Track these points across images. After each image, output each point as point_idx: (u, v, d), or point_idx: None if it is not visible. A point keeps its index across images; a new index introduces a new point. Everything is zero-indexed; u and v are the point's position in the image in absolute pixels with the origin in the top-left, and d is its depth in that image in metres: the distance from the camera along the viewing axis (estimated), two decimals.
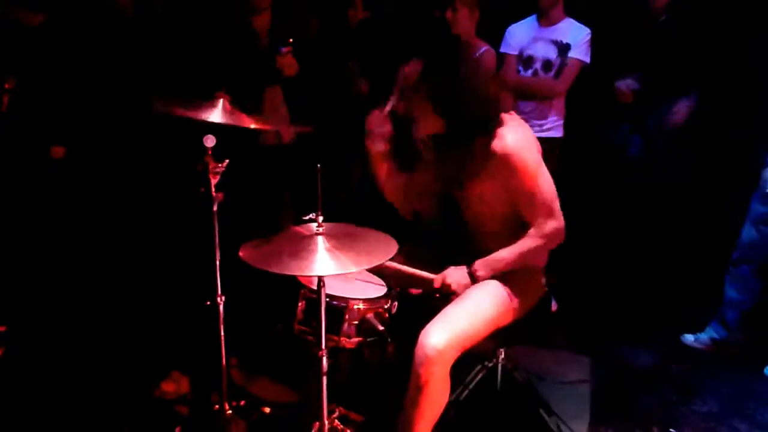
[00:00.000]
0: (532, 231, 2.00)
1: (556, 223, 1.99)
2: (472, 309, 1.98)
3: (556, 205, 1.99)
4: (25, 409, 2.36)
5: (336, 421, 2.10)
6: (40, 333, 2.73)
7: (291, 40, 3.08)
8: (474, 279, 2.05)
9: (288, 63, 3.11)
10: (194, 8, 3.11)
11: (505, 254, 2.03)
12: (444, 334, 1.88)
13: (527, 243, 2.01)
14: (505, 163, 1.93)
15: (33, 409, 2.37)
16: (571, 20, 3.25)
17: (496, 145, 1.94)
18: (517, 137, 1.95)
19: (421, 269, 2.13)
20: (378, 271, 2.16)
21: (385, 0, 3.66)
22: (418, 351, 1.88)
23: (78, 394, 2.47)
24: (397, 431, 1.98)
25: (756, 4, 3.40)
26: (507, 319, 2.07)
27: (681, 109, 3.42)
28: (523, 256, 2.03)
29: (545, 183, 1.98)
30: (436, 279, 2.07)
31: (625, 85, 3.38)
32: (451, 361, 1.91)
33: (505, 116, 2.00)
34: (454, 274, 2.05)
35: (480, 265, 2.05)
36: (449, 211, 2.17)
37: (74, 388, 2.50)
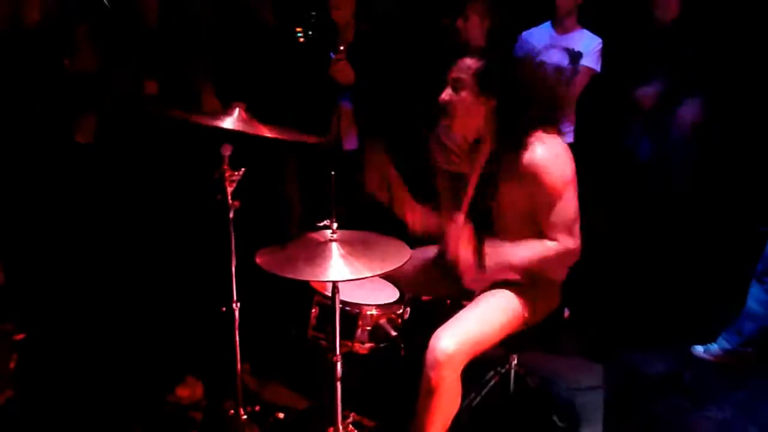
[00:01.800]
0: (548, 243, 1.98)
1: (572, 243, 1.97)
2: (484, 315, 1.99)
3: (576, 226, 1.98)
4: (41, 414, 2.39)
5: (350, 426, 2.11)
6: (55, 338, 2.76)
7: (342, 47, 3.06)
8: (481, 262, 2.01)
9: (341, 69, 3.08)
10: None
11: (517, 250, 2.00)
12: (454, 339, 1.89)
13: (541, 247, 1.98)
14: (532, 176, 1.93)
15: (48, 413, 2.39)
16: (584, 30, 3.29)
17: (526, 157, 1.94)
18: (546, 151, 1.94)
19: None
20: (391, 277, 2.18)
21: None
22: (429, 355, 1.89)
23: (92, 399, 2.50)
24: None
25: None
26: (518, 327, 2.08)
27: (686, 113, 3.42)
28: (534, 258, 1.99)
29: (569, 202, 1.96)
30: (450, 251, 2.06)
31: (645, 91, 3.38)
32: (462, 366, 1.92)
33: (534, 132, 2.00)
34: (465, 255, 2.02)
35: (490, 252, 2.01)
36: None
37: (89, 393, 2.53)
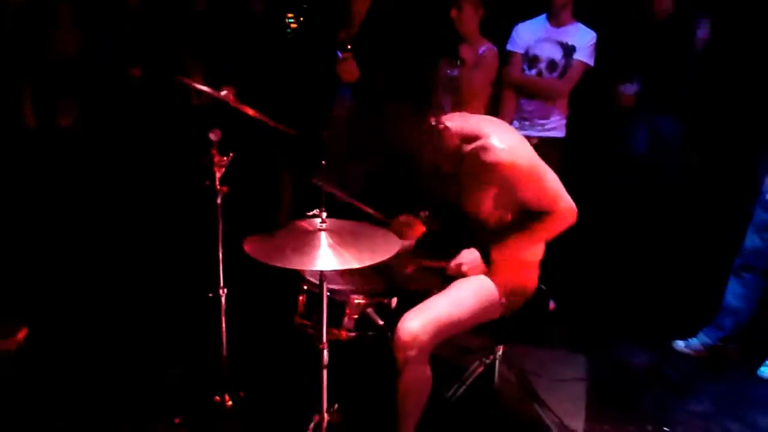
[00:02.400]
0: (545, 218, 1.99)
1: (570, 203, 2.00)
2: (454, 298, 2.01)
3: (562, 190, 2.00)
4: (31, 403, 2.37)
5: (336, 414, 2.12)
6: (49, 326, 2.74)
7: (349, 45, 3.05)
8: (486, 259, 2.06)
9: (348, 69, 3.08)
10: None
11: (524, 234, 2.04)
12: (419, 320, 1.91)
13: (546, 223, 2.00)
14: (503, 174, 1.95)
15: (38, 401, 2.38)
16: (578, 23, 3.29)
17: (487, 157, 1.94)
18: (504, 145, 1.94)
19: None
20: (380, 268, 2.18)
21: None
22: (396, 336, 1.92)
23: (80, 385, 2.49)
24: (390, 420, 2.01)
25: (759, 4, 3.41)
26: (494, 313, 2.09)
27: (626, 91, 3.44)
28: (542, 236, 2.06)
29: (543, 177, 1.99)
30: (450, 266, 2.08)
31: (626, 89, 3.41)
32: (428, 347, 1.93)
33: (482, 122, 2.02)
34: (467, 258, 2.06)
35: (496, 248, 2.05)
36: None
37: (76, 379, 2.51)
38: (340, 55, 3.08)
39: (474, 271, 2.06)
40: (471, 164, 1.97)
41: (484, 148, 1.94)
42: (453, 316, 1.96)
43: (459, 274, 2.06)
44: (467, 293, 2.02)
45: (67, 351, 2.66)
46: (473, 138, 1.97)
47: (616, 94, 3.47)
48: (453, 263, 2.07)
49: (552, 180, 2.00)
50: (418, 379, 1.96)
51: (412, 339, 1.89)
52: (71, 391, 2.46)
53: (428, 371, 1.97)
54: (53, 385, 2.47)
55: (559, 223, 2.01)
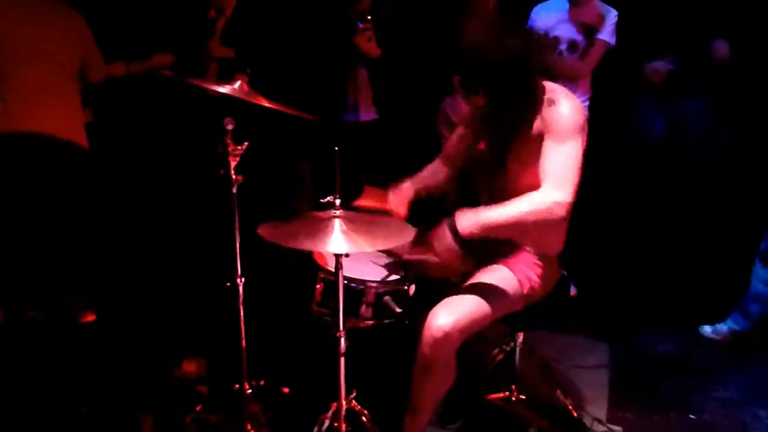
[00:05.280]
0: (534, 193, 1.86)
1: (562, 195, 1.82)
2: (480, 292, 1.96)
3: (572, 182, 1.84)
4: (53, 387, 2.41)
5: (353, 401, 2.12)
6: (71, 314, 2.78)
7: (369, 17, 3.00)
8: (456, 234, 1.89)
9: (366, 41, 3.04)
10: None
11: (494, 211, 1.89)
12: (451, 316, 1.88)
13: (520, 204, 1.86)
14: (547, 121, 1.89)
15: (56, 387, 2.42)
16: (599, 2, 3.21)
17: (547, 107, 1.90)
18: (567, 103, 1.90)
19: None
20: (395, 256, 2.17)
21: None
22: (425, 332, 1.89)
23: (101, 371, 2.52)
24: (407, 407, 2.00)
25: None
26: (518, 305, 2.05)
27: (658, 69, 3.35)
28: (514, 216, 1.86)
29: (570, 152, 1.86)
30: (428, 253, 1.99)
31: (658, 66, 3.31)
32: (458, 344, 1.91)
33: (558, 86, 1.97)
34: (439, 236, 1.92)
35: (460, 218, 1.90)
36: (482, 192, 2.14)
37: (97, 365, 2.55)
38: (360, 26, 3.05)
39: (446, 253, 1.93)
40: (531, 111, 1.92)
41: (548, 105, 1.90)
42: (482, 311, 1.93)
43: (440, 258, 1.96)
44: (494, 286, 1.99)
45: (88, 338, 2.70)
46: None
47: (646, 70, 3.36)
48: (431, 251, 1.97)
49: (571, 162, 1.87)
50: (446, 374, 1.95)
51: (444, 336, 1.86)
52: (93, 376, 2.49)
53: (455, 365, 1.95)
54: (75, 371, 2.49)
55: (547, 209, 1.85)
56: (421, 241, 2.00)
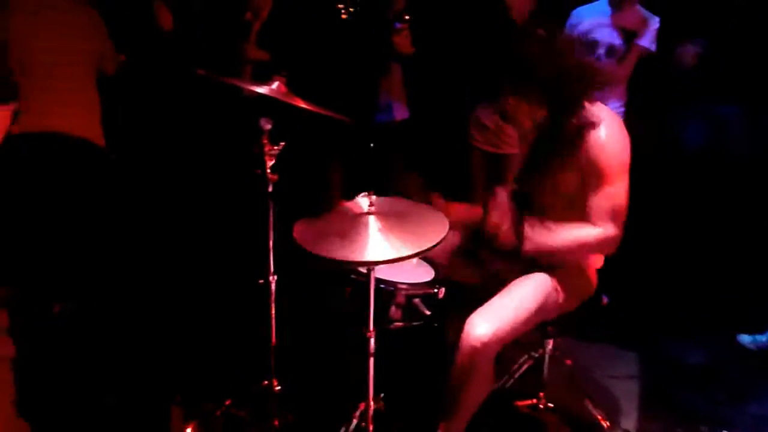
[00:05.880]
0: (590, 227, 1.93)
1: (614, 231, 1.92)
2: (518, 301, 1.96)
3: (623, 216, 1.93)
4: (82, 379, 2.46)
5: (381, 402, 2.12)
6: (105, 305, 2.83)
7: (407, 17, 3.07)
8: (520, 239, 1.99)
9: (403, 41, 3.11)
10: None
11: (557, 236, 1.97)
12: (490, 326, 1.88)
13: (581, 233, 1.94)
14: (593, 153, 1.90)
15: (89, 378, 2.47)
16: (640, 7, 3.17)
17: (591, 134, 1.90)
18: (612, 134, 1.91)
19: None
20: (428, 256, 2.17)
21: None
22: (464, 341, 1.89)
23: (132, 364, 2.57)
24: (440, 416, 2.00)
25: None
26: (553, 314, 2.06)
27: (687, 52, 3.26)
28: (573, 244, 1.97)
29: (621, 189, 1.92)
30: (492, 217, 2.04)
31: (688, 50, 3.22)
32: (496, 351, 1.91)
33: (598, 107, 1.96)
34: (507, 227, 2.01)
35: (530, 233, 1.99)
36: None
37: (128, 358, 2.60)
38: (398, 26, 3.10)
39: (506, 239, 2.01)
40: (572, 139, 1.94)
41: (591, 130, 1.91)
42: (520, 320, 1.93)
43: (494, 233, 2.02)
44: (531, 294, 1.99)
45: (122, 331, 2.75)
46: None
47: (676, 54, 3.28)
48: (495, 218, 2.03)
49: (622, 197, 1.93)
50: (485, 382, 1.96)
51: (483, 346, 1.87)
52: (123, 368, 2.53)
53: (493, 372, 1.96)
54: (105, 363, 2.54)
55: (601, 245, 1.97)
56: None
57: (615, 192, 1.91)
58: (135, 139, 3.05)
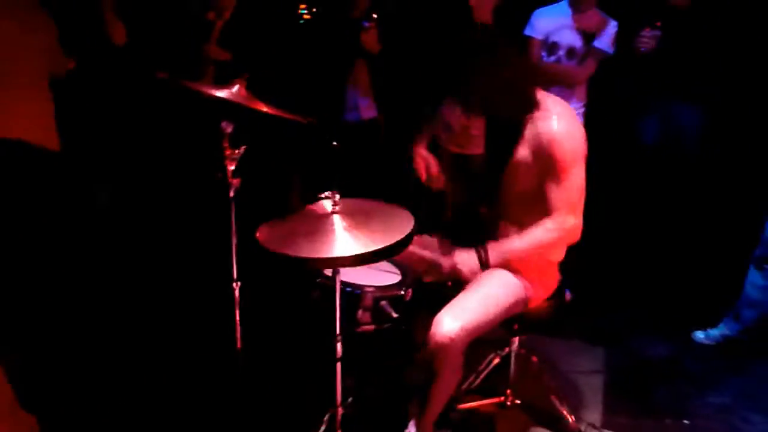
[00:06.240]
0: (549, 222, 1.96)
1: (575, 220, 1.95)
2: (484, 297, 1.98)
3: (580, 205, 1.96)
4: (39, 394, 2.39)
5: (350, 408, 2.11)
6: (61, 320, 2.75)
7: (375, 15, 3.09)
8: (484, 264, 2.00)
9: (370, 39, 3.14)
10: None
11: (518, 243, 2.00)
12: (456, 323, 1.89)
13: (541, 234, 1.97)
14: (546, 147, 1.92)
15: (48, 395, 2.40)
16: (599, 11, 3.23)
17: (543, 127, 1.93)
18: (564, 125, 1.94)
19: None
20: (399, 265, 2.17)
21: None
22: (431, 339, 1.89)
23: (91, 377, 2.51)
24: (411, 410, 2.02)
25: None
26: (518, 309, 2.08)
27: (648, 36, 3.31)
28: (536, 246, 2.00)
29: (577, 179, 1.94)
30: (445, 264, 2.04)
31: (648, 33, 3.25)
32: (464, 348, 1.92)
33: (552, 100, 2.00)
34: (465, 260, 2.01)
35: (492, 252, 2.01)
36: (476, 196, 2.15)
37: (87, 371, 2.53)
38: (366, 24, 3.13)
39: (470, 275, 2.02)
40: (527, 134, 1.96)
41: (544, 121, 1.93)
42: (487, 315, 1.95)
43: (456, 277, 2.02)
44: (497, 290, 2.01)
45: (79, 343, 2.67)
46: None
47: (635, 44, 3.31)
48: (449, 263, 2.03)
49: (578, 186, 1.96)
50: (453, 379, 1.97)
51: (450, 343, 1.87)
52: (82, 382, 2.47)
53: (461, 368, 1.98)
54: (65, 378, 2.47)
55: (563, 237, 2.00)
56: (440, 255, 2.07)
57: (572, 182, 1.93)
58: (92, 143, 2.97)
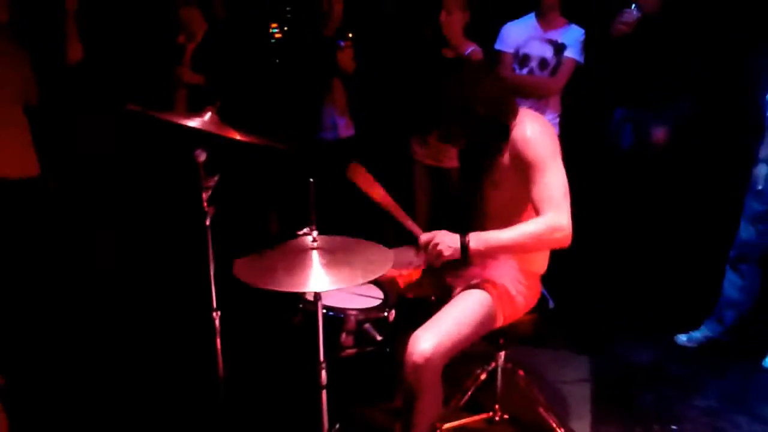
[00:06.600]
0: (539, 219, 1.92)
1: (563, 218, 1.90)
2: (461, 314, 1.96)
3: (566, 203, 1.92)
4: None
5: None
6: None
7: (351, 35, 3.13)
8: (465, 249, 1.93)
9: (346, 58, 3.19)
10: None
11: (504, 232, 1.94)
12: (432, 340, 1.87)
13: (528, 226, 1.92)
14: (522, 151, 1.93)
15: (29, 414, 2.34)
16: (567, 21, 3.28)
17: (516, 132, 1.96)
18: (536, 128, 1.95)
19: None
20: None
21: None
22: (408, 358, 1.87)
23: (73, 403, 2.46)
24: None
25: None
26: (498, 323, 2.06)
27: (626, 18, 3.34)
28: (522, 238, 1.92)
29: (556, 177, 1.92)
30: (423, 236, 1.97)
31: (626, 16, 3.27)
32: (441, 366, 1.90)
33: (524, 110, 2.03)
34: (445, 237, 1.94)
35: (474, 237, 1.94)
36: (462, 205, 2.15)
37: (69, 398, 2.48)
38: (341, 43, 3.16)
39: (448, 252, 1.94)
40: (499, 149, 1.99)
41: (517, 129, 1.95)
42: (463, 332, 1.93)
43: (434, 253, 1.96)
44: (472, 307, 1.99)
45: (60, 369, 2.62)
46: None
47: (615, 22, 3.29)
48: (428, 236, 1.96)
49: (560, 184, 1.93)
50: (433, 398, 1.93)
51: (426, 362, 1.85)
52: (65, 407, 2.42)
53: (441, 387, 1.94)
54: (44, 402, 2.43)
55: (551, 232, 1.92)
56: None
57: (549, 179, 1.91)
58: (70, 168, 2.94)
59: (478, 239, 1.93)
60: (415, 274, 2.25)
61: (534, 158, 1.92)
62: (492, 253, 1.99)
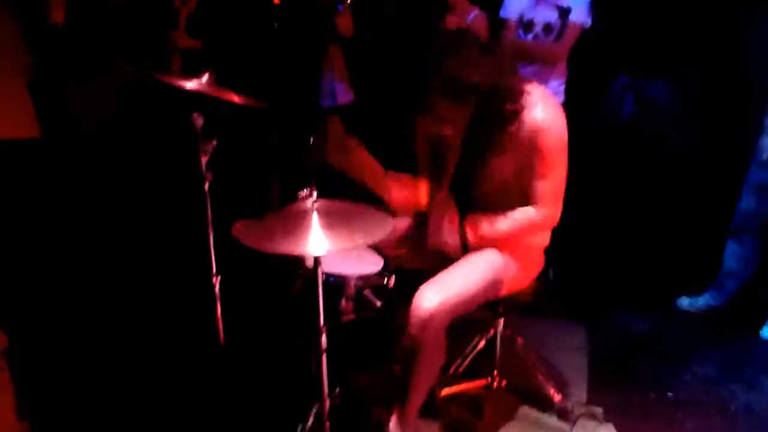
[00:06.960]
0: (531, 209, 1.96)
1: (555, 211, 1.97)
2: (467, 274, 1.97)
3: (561, 197, 1.96)
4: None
5: (337, 399, 2.10)
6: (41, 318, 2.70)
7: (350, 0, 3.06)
8: (465, 243, 2.00)
9: (345, 23, 3.11)
10: None
11: (501, 223, 1.99)
12: (437, 297, 1.87)
13: (524, 217, 1.97)
14: (530, 138, 1.89)
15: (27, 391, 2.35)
16: None
17: (527, 116, 1.89)
18: (548, 117, 1.90)
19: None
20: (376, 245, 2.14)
21: None
22: (413, 313, 1.88)
23: (72, 376, 2.47)
24: (394, 396, 1.99)
25: None
26: (502, 290, 2.06)
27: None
28: (518, 229, 1.99)
29: (561, 172, 1.93)
30: (429, 241, 2.03)
31: None
32: (445, 324, 1.90)
33: (535, 88, 1.94)
34: (447, 238, 2.02)
35: (470, 230, 2.01)
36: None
37: (67, 370, 2.49)
38: (340, 8, 3.10)
39: (452, 250, 2.00)
40: (511, 122, 1.92)
41: (528, 109, 1.89)
42: (469, 292, 1.93)
43: (438, 251, 2.00)
44: (480, 268, 1.99)
45: (59, 340, 2.63)
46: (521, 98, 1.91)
47: None
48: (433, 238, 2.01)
49: (561, 179, 1.95)
50: (437, 353, 1.94)
51: (430, 317, 1.85)
52: (64, 381, 2.44)
53: (444, 343, 1.95)
54: (44, 375, 2.44)
55: (543, 226, 2.02)
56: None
57: (556, 174, 1.93)
58: (67, 135, 2.91)
59: (474, 234, 1.99)
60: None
61: (544, 149, 1.89)
62: (489, 243, 2.03)
